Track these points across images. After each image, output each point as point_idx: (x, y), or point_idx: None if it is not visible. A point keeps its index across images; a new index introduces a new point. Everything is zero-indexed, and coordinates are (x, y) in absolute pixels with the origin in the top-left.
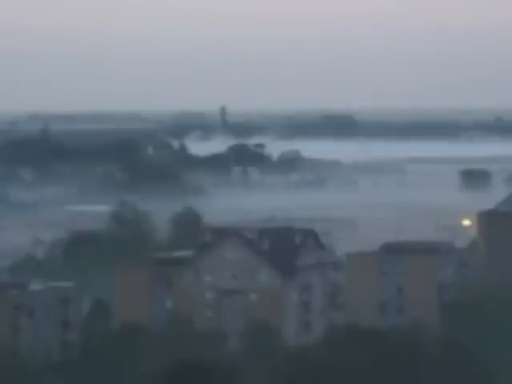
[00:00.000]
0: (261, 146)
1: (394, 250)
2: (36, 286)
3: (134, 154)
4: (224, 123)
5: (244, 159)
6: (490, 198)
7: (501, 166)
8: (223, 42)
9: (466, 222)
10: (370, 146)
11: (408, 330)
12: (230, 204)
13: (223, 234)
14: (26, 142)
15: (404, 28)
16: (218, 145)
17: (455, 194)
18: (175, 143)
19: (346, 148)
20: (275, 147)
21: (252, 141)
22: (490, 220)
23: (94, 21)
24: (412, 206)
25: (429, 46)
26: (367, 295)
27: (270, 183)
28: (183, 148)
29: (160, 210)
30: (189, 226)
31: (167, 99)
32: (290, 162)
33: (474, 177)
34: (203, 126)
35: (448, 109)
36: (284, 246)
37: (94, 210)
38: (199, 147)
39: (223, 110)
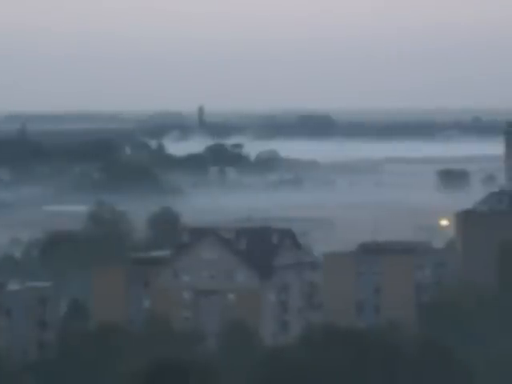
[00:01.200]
0: (238, 146)
1: (371, 250)
2: (13, 285)
3: (111, 154)
4: (202, 123)
5: (221, 159)
6: (468, 198)
7: (479, 166)
8: (201, 43)
9: (444, 222)
10: (347, 146)
11: (385, 329)
12: (208, 204)
13: (201, 233)
14: (4, 142)
15: (381, 29)
16: (195, 145)
17: (433, 193)
18: (153, 143)
19: (323, 148)
20: (253, 147)
21: (230, 141)
22: (467, 220)
23: (72, 22)
24: (389, 206)
25: (406, 47)
26: (344, 295)
27: (248, 183)
28: (161, 148)
29: (137, 210)
30: (166, 225)
31: (145, 99)
32: (268, 162)
33: (452, 177)
34: (181, 126)
35: (426, 109)
36: (261, 246)
37: (71, 210)
38: (177, 147)
39: (201, 110)
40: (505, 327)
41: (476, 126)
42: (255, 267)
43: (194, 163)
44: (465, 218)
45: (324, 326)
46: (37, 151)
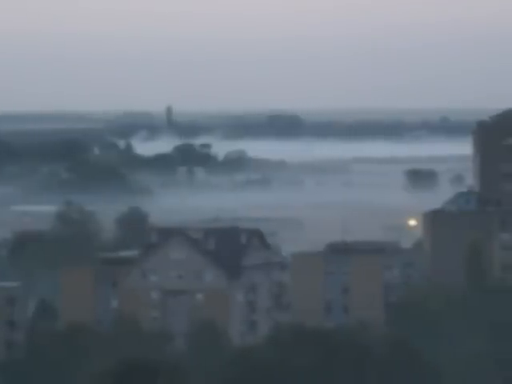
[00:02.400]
0: (207, 146)
1: (339, 250)
2: None
3: (80, 154)
4: (170, 123)
5: (190, 159)
6: (436, 198)
7: (447, 166)
8: (169, 42)
9: (412, 222)
10: (315, 146)
11: (353, 329)
12: (176, 204)
13: (169, 233)
14: None
15: (349, 29)
16: (163, 145)
17: (401, 193)
18: (121, 143)
19: (291, 148)
20: (221, 147)
21: (198, 141)
22: (435, 220)
23: (43, 22)
24: (358, 206)
25: (375, 47)
26: (313, 295)
27: (216, 183)
28: (129, 148)
29: (106, 210)
30: (134, 225)
31: (114, 99)
32: (236, 162)
33: (420, 177)
34: (149, 126)
35: (394, 109)
36: (230, 246)
37: (39, 210)
38: (145, 147)
39: (169, 110)
40: (473, 327)
41: (444, 126)
42: (223, 267)
43: (162, 163)
44: (433, 218)
45: (292, 325)
46: (6, 151)
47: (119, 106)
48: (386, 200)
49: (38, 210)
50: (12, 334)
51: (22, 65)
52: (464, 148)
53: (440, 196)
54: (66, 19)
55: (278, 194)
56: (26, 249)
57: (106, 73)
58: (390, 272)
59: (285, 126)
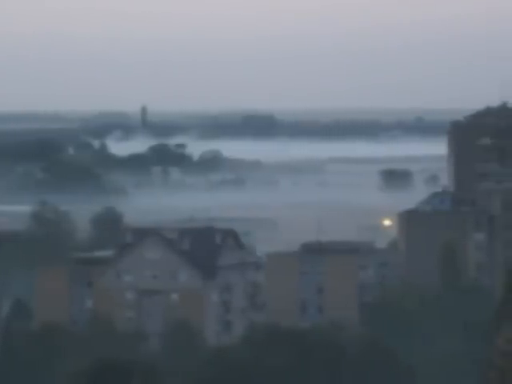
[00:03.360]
0: (181, 146)
1: (314, 250)
2: None
3: (54, 153)
4: (145, 123)
5: (164, 159)
6: (411, 198)
7: (422, 166)
8: (144, 43)
9: (387, 222)
10: (290, 146)
11: (328, 329)
12: (151, 204)
13: (144, 233)
14: None
15: (324, 29)
16: (138, 145)
17: (376, 193)
18: (96, 143)
19: (266, 148)
20: (196, 147)
21: (173, 141)
22: (410, 220)
23: (14, 22)
24: (333, 206)
25: (350, 47)
26: (287, 295)
27: (191, 183)
28: (104, 148)
29: (81, 210)
30: (109, 225)
31: (89, 99)
32: (211, 162)
33: (395, 177)
34: (124, 125)
35: (369, 109)
36: (204, 246)
37: (14, 210)
38: (120, 147)
39: (144, 110)
40: (447, 327)
41: (419, 126)
42: (198, 267)
43: (136, 163)
44: (408, 218)
45: (267, 325)
46: None
47: (94, 105)
48: (361, 200)
49: (12, 210)
50: None
51: None
52: (439, 148)
53: (415, 196)
54: (40, 19)
55: (253, 194)
56: (1, 249)
57: (81, 73)
58: (365, 272)
59: (260, 125)
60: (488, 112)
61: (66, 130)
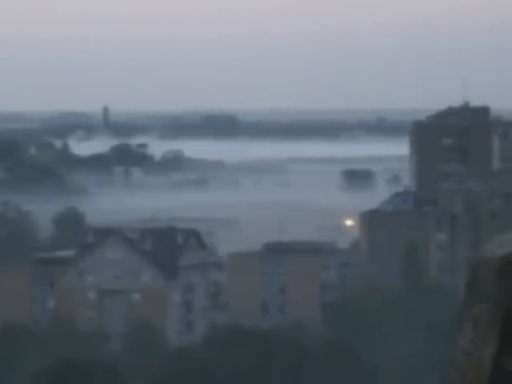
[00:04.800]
0: (143, 145)
1: (276, 250)
2: None
3: (16, 154)
4: (106, 123)
5: (126, 159)
6: (373, 198)
7: (383, 166)
8: (105, 42)
9: (349, 222)
10: (252, 146)
11: (290, 329)
12: (113, 204)
13: (105, 233)
14: None
15: (285, 29)
16: (100, 145)
17: (338, 193)
18: (58, 143)
19: (228, 148)
20: (158, 147)
21: (134, 141)
22: (372, 220)
23: None
24: (294, 206)
25: (310, 48)
26: (249, 295)
27: (152, 183)
28: (66, 148)
29: (42, 210)
30: (71, 225)
31: (50, 99)
32: (173, 162)
33: (357, 177)
34: (86, 126)
35: (330, 109)
36: (166, 246)
37: None
38: (82, 147)
39: (105, 110)
40: (409, 327)
41: (381, 126)
42: (160, 267)
43: (98, 163)
44: (369, 218)
45: (229, 325)
46: None
47: (55, 106)
48: (323, 200)
49: None
50: None
51: None
52: (401, 148)
53: (377, 196)
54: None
55: (215, 194)
56: None
57: (43, 73)
58: (327, 272)
59: (221, 125)
60: (450, 112)
61: (27, 130)
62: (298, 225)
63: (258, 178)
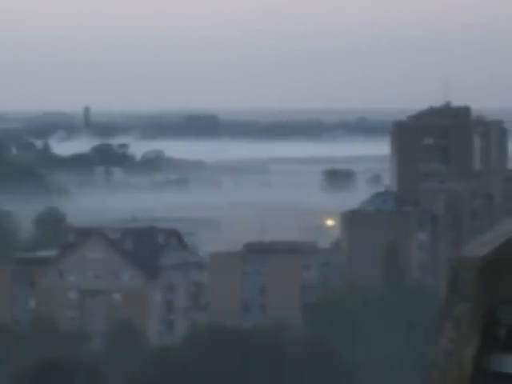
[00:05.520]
0: (124, 145)
1: (257, 250)
2: None
3: None
4: (87, 123)
5: (107, 159)
6: (354, 198)
7: (364, 166)
8: (86, 42)
9: (330, 222)
10: (233, 146)
11: (271, 329)
12: (94, 204)
13: (86, 233)
14: None
15: (266, 29)
16: (81, 145)
17: (319, 194)
18: (39, 143)
19: (209, 148)
20: (138, 147)
21: (115, 141)
22: (353, 220)
23: None
24: (275, 206)
25: (291, 47)
26: (230, 295)
27: (134, 183)
28: (47, 148)
29: (23, 210)
30: (52, 225)
31: (31, 99)
32: (153, 162)
33: (338, 177)
34: (67, 126)
35: (312, 109)
36: (147, 246)
37: None
38: (63, 147)
39: (87, 110)
40: (390, 327)
41: (362, 126)
42: (141, 267)
43: (79, 163)
44: (350, 218)
45: (209, 325)
46: None
47: (37, 106)
48: (304, 200)
49: None
50: None
51: None
52: (382, 148)
53: (358, 196)
54: None
55: (196, 194)
56: None
57: (24, 73)
58: (308, 272)
59: (202, 125)
60: (431, 112)
61: (8, 130)
62: (278, 225)
63: (239, 178)
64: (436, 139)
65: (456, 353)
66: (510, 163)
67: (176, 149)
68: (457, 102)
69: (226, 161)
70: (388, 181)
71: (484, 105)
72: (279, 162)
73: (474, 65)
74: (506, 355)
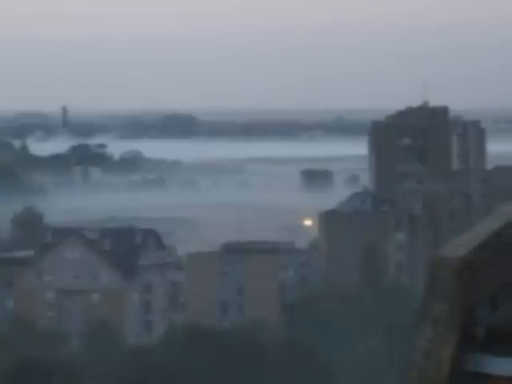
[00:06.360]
0: (102, 145)
1: (234, 250)
2: None
3: None
4: (65, 123)
5: (85, 159)
6: (332, 198)
7: (342, 166)
8: (62, 42)
9: (308, 222)
10: (210, 145)
11: (249, 329)
12: (71, 204)
13: (64, 233)
14: None
15: (242, 28)
16: (59, 144)
17: (297, 194)
18: (16, 143)
19: (186, 148)
20: (116, 147)
21: (93, 141)
22: (331, 220)
23: None
24: (253, 206)
25: (269, 47)
26: (208, 295)
27: (111, 183)
28: (24, 148)
29: (1, 210)
30: (30, 225)
31: (8, 99)
32: (131, 162)
33: (316, 177)
34: (44, 125)
35: (290, 109)
36: (125, 246)
37: None
38: (40, 147)
39: (64, 110)
40: (368, 327)
41: (340, 126)
42: (119, 267)
43: (57, 163)
44: (328, 218)
45: (187, 325)
46: None
47: (14, 106)
48: (282, 200)
49: None
50: None
51: None
52: (360, 148)
53: (335, 196)
54: None
55: (174, 194)
56: None
57: (0, 72)
58: (286, 272)
59: (180, 125)
60: (409, 112)
61: None
62: (256, 225)
63: (217, 178)
64: (414, 139)
65: (434, 353)
66: (487, 163)
67: (154, 149)
68: (435, 102)
69: (203, 161)
70: (366, 181)
71: (462, 105)
72: (257, 162)
73: (452, 65)
74: (484, 355)
